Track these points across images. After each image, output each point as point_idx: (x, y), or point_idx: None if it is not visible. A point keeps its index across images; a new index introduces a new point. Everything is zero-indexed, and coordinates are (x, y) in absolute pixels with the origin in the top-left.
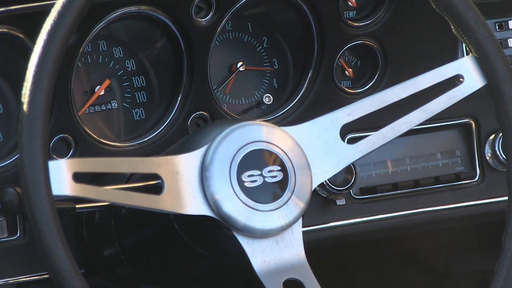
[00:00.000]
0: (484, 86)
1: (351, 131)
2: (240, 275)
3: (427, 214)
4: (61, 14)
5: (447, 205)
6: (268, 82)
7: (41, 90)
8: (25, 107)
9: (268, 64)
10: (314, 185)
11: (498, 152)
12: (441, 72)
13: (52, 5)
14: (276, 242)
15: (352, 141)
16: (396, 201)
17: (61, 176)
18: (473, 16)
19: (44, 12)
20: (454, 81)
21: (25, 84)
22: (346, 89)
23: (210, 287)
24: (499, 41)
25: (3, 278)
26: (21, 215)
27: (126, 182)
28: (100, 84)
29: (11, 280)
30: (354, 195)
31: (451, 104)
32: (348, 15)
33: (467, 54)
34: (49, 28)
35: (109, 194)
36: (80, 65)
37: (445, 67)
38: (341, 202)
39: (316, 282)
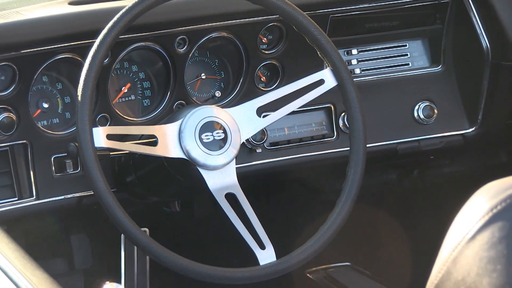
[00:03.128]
0: (336, 85)
1: (265, 111)
2: (201, 191)
3: (307, 157)
4: (99, 46)
5: (318, 151)
6: (218, 84)
7: (87, 89)
8: (79, 98)
9: (218, 74)
10: (242, 140)
11: (345, 122)
12: (313, 77)
13: (93, 42)
14: (220, 172)
15: (264, 116)
16: (289, 150)
17: (99, 136)
18: (330, 47)
19: (90, 45)
20: (320, 82)
21: (79, 86)
22: (261, 88)
23: (184, 198)
24: (346, 61)
25: (71, 193)
26: (79, 158)
27: (139, 139)
28: (124, 85)
29: (76, 194)
30: (266, 147)
31: (318, 95)
32: (262, 47)
33: (326, 67)
34: (93, 54)
35: (127, 146)
36: (113, 75)
37: (315, 74)
38: (259, 150)
39: (243, 194)
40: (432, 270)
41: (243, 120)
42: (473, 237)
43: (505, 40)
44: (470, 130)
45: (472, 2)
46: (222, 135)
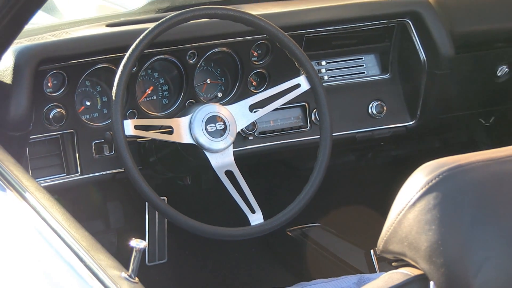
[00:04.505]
0: (309, 88)
1: (256, 107)
2: (206, 169)
3: (287, 143)
4: (128, 58)
5: (296, 139)
6: (219, 87)
7: (119, 91)
8: (113, 98)
9: (220, 79)
10: (238, 130)
11: (316, 116)
12: (291, 82)
13: (124, 55)
14: (221, 154)
15: (255, 112)
16: (274, 137)
17: (129, 127)
18: (305, 59)
19: (122, 57)
20: (297, 86)
21: (113, 88)
22: (253, 90)
23: (193, 174)
24: (317, 70)
25: (107, 170)
26: (113, 144)
27: (159, 129)
28: (148, 88)
29: (111, 171)
30: (256, 135)
31: (295, 96)
32: (253, 59)
33: (302, 74)
34: (123, 64)
35: (150, 134)
36: (139, 80)
37: (293, 80)
38: (250, 138)
39: (239, 171)
40: (383, 229)
41: (238, 115)
42: (414, 204)
43: (437, 54)
44: (411, 123)
45: (412, 25)
46: (223, 126)
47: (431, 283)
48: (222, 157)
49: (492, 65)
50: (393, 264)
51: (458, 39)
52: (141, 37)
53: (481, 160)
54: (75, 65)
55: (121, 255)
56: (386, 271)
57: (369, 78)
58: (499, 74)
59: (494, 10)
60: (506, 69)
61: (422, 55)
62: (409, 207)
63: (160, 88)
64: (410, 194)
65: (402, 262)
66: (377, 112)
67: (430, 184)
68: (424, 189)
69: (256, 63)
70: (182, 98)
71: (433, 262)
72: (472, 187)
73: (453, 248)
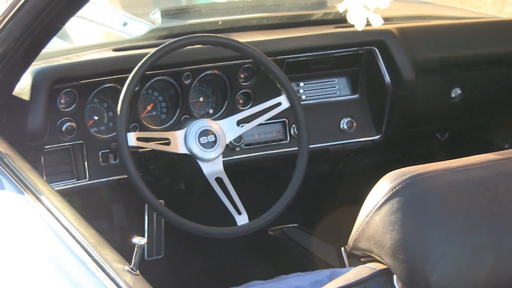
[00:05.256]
0: (289, 106)
1: (242, 123)
2: (199, 176)
3: (270, 154)
4: (131, 79)
5: (277, 150)
6: (211, 105)
7: (123, 107)
8: (118, 113)
9: (211, 98)
10: (226, 142)
11: (295, 131)
12: (273, 101)
13: (128, 76)
14: (212, 163)
15: (242, 126)
16: (258, 148)
17: (131, 138)
18: (286, 80)
19: (126, 78)
20: (278, 104)
21: (118, 105)
22: (240, 108)
23: (188, 180)
24: (296, 90)
25: (112, 176)
26: (117, 153)
27: (158, 141)
28: (149, 105)
29: (116, 177)
30: (243, 146)
31: (277, 113)
32: (241, 80)
33: (283, 94)
34: (127, 84)
35: (150, 145)
36: (141, 98)
37: (275, 99)
38: (238, 149)
39: (227, 178)
40: (353, 229)
41: (227, 129)
42: (380, 207)
43: (400, 78)
44: (377, 137)
45: (378, 53)
46: (214, 138)
47: (394, 276)
48: (213, 166)
49: (447, 88)
50: (361, 259)
51: (418, 65)
52: (143, 60)
53: (437, 169)
54: (85, 84)
55: (124, 251)
56: (355, 266)
57: (341, 98)
58: (453, 96)
59: (449, 40)
60: (459, 91)
61: (387, 78)
62: (376, 210)
63: (159, 105)
64: (376, 199)
65: (369, 258)
66: (347, 128)
67: (394, 190)
68: (388, 194)
69: (243, 84)
70: (178, 114)
71: (396, 258)
72: (430, 193)
73: (414, 246)
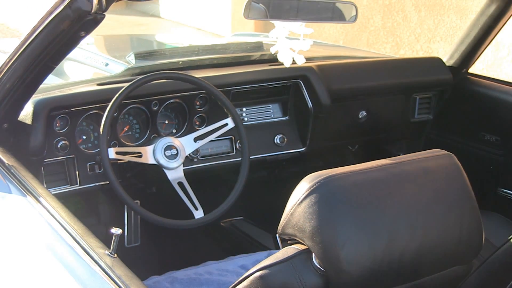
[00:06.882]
0: (234, 126)
1: (199, 139)
2: (165, 181)
3: (220, 163)
4: (111, 107)
5: (225, 160)
6: (174, 126)
7: (105, 129)
8: (100, 133)
9: (174, 121)
10: (186, 154)
11: (238, 145)
12: (222, 122)
13: (108, 105)
14: (175, 171)
15: (198, 142)
16: (211, 159)
17: (112, 153)
18: (231, 106)
19: (107, 106)
20: (226, 125)
21: (101, 127)
22: (196, 128)
23: (157, 185)
24: (239, 114)
25: (98, 182)
26: (101, 164)
27: (133, 154)
28: (125, 127)
29: (100, 183)
30: (199, 158)
31: (224, 131)
32: (197, 107)
33: (229, 117)
34: (108, 111)
35: (127, 157)
36: (119, 121)
37: (223, 120)
38: (195, 160)
39: (187, 182)
40: (281, 219)
41: (187, 144)
42: (301, 202)
43: (319, 104)
44: (303, 149)
45: (303, 84)
46: (176, 152)
47: (313, 254)
48: (175, 173)
49: (355, 111)
50: (288, 242)
51: (333, 93)
52: (119, 92)
53: (345, 172)
54: (75, 111)
55: (107, 241)
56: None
57: (274, 119)
58: (360, 117)
59: (357, 75)
60: (365, 113)
61: (310, 104)
62: (298, 204)
63: (133, 127)
64: (298, 195)
65: (294, 241)
66: (280, 142)
67: (311, 189)
68: (307, 192)
69: (199, 109)
70: (149, 133)
71: (314, 240)
72: (339, 190)
73: (327, 231)
